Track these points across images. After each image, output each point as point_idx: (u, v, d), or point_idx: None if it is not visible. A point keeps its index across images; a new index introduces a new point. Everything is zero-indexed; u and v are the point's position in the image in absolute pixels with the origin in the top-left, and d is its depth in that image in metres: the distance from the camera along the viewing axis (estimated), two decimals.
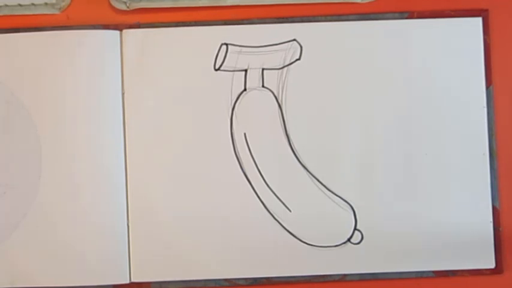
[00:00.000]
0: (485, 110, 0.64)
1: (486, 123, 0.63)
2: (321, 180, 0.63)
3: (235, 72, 0.63)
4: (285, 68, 0.63)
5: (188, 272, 0.63)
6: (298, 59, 0.63)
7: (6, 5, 0.64)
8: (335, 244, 0.63)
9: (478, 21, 0.64)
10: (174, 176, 0.63)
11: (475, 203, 0.63)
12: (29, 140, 0.62)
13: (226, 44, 0.63)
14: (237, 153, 0.63)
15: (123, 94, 0.63)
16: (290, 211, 0.63)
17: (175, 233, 0.63)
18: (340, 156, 0.63)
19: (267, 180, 0.63)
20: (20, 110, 0.63)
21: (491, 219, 0.63)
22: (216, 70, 0.63)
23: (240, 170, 0.63)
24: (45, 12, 0.65)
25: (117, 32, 0.63)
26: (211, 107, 0.63)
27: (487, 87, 0.64)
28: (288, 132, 0.63)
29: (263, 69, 0.63)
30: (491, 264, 0.63)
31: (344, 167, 0.63)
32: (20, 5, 0.64)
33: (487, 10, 0.64)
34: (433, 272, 0.63)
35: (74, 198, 0.62)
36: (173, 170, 0.63)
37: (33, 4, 0.64)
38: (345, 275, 0.63)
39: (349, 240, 0.63)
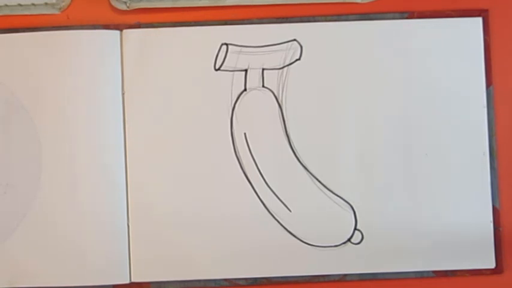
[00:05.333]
0: (485, 110, 0.64)
1: (486, 123, 0.63)
2: (321, 180, 0.63)
3: (235, 72, 0.63)
4: (285, 68, 0.63)
5: (188, 272, 0.63)
6: (298, 59, 0.63)
7: (6, 5, 0.64)
8: (335, 244, 0.63)
9: (478, 21, 0.64)
10: (174, 176, 0.63)
11: (475, 203, 0.63)
12: (29, 140, 0.62)
13: (226, 44, 0.63)
14: (237, 153, 0.63)
15: (123, 94, 0.63)
16: (290, 211, 0.63)
17: (176, 233, 0.63)
18: (340, 156, 0.63)
19: (267, 180, 0.63)
20: (20, 110, 0.63)
21: (491, 219, 0.63)
22: (216, 70, 0.63)
23: (240, 170, 0.63)
24: (45, 12, 0.65)
25: (117, 32, 0.63)
26: (211, 107, 0.63)
27: (487, 87, 0.64)
28: (288, 132, 0.63)
29: (263, 69, 0.63)
30: (491, 264, 0.63)
31: (344, 167, 0.63)
32: (20, 5, 0.64)
33: (487, 10, 0.64)
34: (433, 272, 0.63)
35: (74, 198, 0.62)
36: (173, 169, 0.63)
37: (33, 4, 0.64)
38: (345, 275, 0.63)
39: (349, 240, 0.63)
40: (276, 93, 0.63)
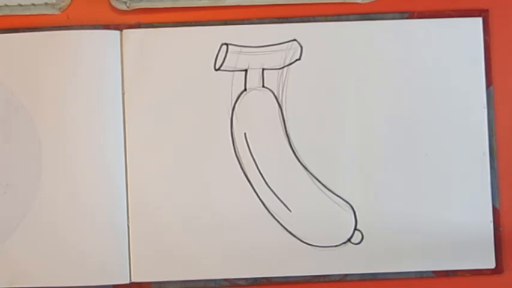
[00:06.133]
0: (485, 110, 0.64)
1: (486, 123, 0.63)
2: (321, 180, 0.63)
3: (235, 72, 0.63)
4: (285, 68, 0.63)
5: (188, 272, 0.63)
6: (298, 59, 0.63)
7: (6, 5, 0.64)
8: (335, 244, 0.63)
9: (478, 21, 0.64)
10: (174, 176, 0.63)
11: (475, 203, 0.63)
12: (29, 140, 0.62)
13: (226, 44, 0.63)
14: (237, 153, 0.63)
15: (123, 94, 0.63)
16: (290, 211, 0.63)
17: (176, 233, 0.63)
18: (340, 156, 0.63)
19: (267, 180, 0.63)
20: (20, 110, 0.63)
21: (491, 219, 0.63)
22: (216, 70, 0.63)
23: (240, 170, 0.63)
24: (45, 12, 0.65)
25: (117, 32, 0.63)
26: (211, 107, 0.63)
27: (487, 87, 0.64)
28: (288, 132, 0.63)
29: (263, 69, 0.63)
30: (491, 264, 0.63)
31: (344, 167, 0.63)
32: (20, 5, 0.64)
33: (487, 10, 0.65)
34: (433, 272, 0.63)
35: (74, 198, 0.62)
36: (173, 170, 0.63)
37: (33, 4, 0.64)
38: (345, 275, 0.63)
39: (349, 240, 0.63)
40: (276, 93, 0.63)
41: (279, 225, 0.63)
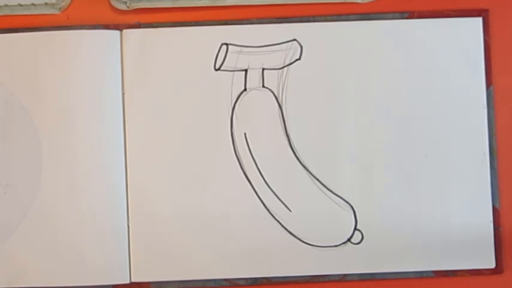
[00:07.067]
0: (485, 110, 0.64)
1: (486, 123, 0.63)
2: (321, 180, 0.63)
3: (236, 72, 0.63)
4: (285, 68, 0.63)
5: (188, 272, 0.63)
6: (298, 59, 0.63)
7: (6, 5, 0.64)
8: (335, 244, 0.63)
9: (478, 21, 0.64)
10: (174, 176, 0.63)
11: (475, 203, 0.63)
12: (29, 140, 0.62)
13: (226, 44, 0.63)
14: (237, 153, 0.63)
15: (123, 94, 0.63)
16: (290, 211, 0.63)
17: (176, 233, 0.63)
18: (340, 156, 0.63)
19: (267, 180, 0.63)
20: (19, 110, 0.63)
21: (491, 219, 0.63)
22: (216, 70, 0.63)
23: (240, 170, 0.63)
24: (45, 12, 0.65)
25: (117, 32, 0.63)
26: (211, 107, 0.63)
27: (487, 88, 0.64)
28: (288, 132, 0.63)
29: (263, 69, 0.63)
30: (491, 264, 0.63)
31: (344, 167, 0.63)
32: (20, 5, 0.64)
33: (487, 10, 0.65)
34: (433, 272, 0.63)
35: (74, 198, 0.62)
36: (173, 170, 0.63)
37: (33, 4, 0.64)
38: (345, 275, 0.63)
39: (349, 240, 0.63)
40: (276, 93, 0.63)
41: (279, 225, 0.63)
